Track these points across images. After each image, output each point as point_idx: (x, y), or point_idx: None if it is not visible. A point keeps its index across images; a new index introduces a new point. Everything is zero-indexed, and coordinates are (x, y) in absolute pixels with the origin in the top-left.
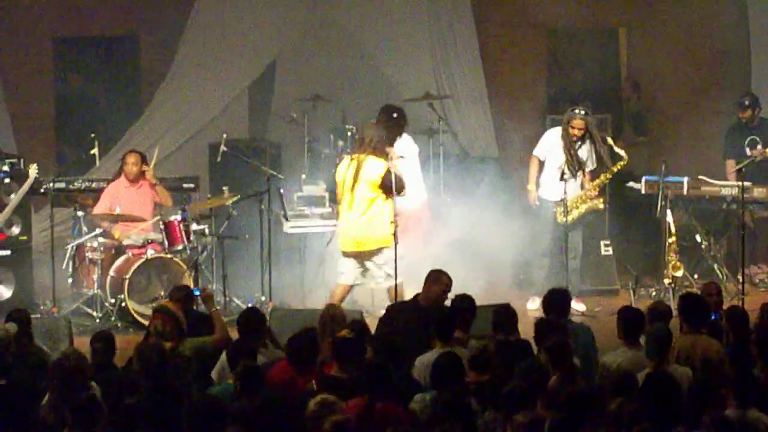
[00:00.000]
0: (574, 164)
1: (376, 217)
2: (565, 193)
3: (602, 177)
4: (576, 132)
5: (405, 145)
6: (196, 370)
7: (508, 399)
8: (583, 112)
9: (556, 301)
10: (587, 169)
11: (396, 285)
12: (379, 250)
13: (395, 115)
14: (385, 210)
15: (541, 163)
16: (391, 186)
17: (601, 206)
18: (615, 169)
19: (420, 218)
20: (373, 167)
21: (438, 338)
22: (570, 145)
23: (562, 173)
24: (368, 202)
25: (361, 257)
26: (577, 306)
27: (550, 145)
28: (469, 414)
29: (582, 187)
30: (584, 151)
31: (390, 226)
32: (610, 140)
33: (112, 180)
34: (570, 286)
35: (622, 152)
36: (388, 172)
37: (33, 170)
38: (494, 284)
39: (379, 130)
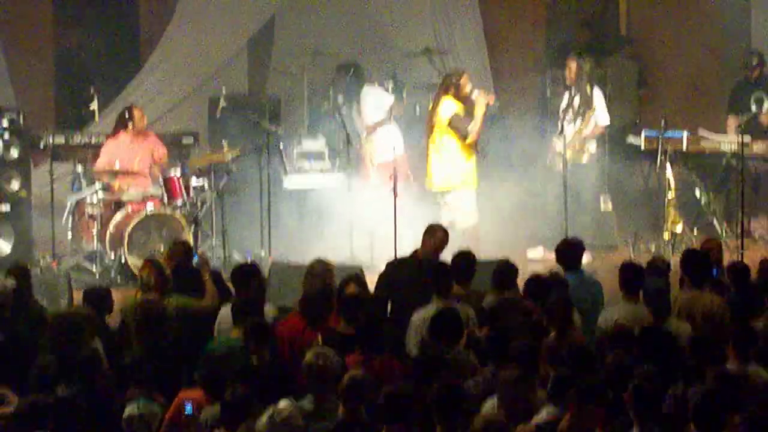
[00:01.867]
0: (573, 110)
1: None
2: (564, 136)
3: (582, 129)
4: (567, 73)
5: (375, 98)
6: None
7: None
8: (578, 53)
9: (569, 251)
10: (588, 129)
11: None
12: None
13: (353, 70)
14: (456, 152)
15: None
16: (458, 129)
17: (584, 160)
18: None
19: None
20: (446, 108)
21: (436, 293)
22: (567, 90)
23: (562, 128)
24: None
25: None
26: (533, 253)
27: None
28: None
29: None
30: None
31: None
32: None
33: (112, 135)
34: (537, 234)
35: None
36: (456, 115)
37: None
38: (497, 236)
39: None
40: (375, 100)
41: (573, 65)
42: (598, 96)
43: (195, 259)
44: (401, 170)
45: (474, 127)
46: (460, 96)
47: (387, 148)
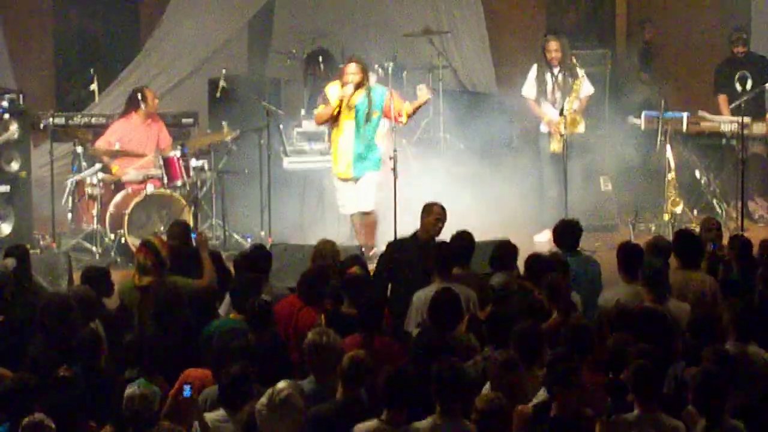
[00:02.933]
0: (560, 89)
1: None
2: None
3: (580, 102)
4: (553, 55)
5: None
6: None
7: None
8: (555, 33)
9: (566, 233)
10: (582, 95)
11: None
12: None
13: (321, 58)
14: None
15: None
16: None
17: (579, 129)
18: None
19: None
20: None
21: (436, 274)
22: (550, 71)
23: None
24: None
25: None
26: (539, 237)
27: (534, 79)
28: (460, 351)
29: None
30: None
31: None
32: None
33: (123, 115)
34: (543, 218)
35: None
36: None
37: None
38: (496, 219)
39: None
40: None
41: (554, 44)
42: (579, 68)
43: (193, 235)
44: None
45: (405, 112)
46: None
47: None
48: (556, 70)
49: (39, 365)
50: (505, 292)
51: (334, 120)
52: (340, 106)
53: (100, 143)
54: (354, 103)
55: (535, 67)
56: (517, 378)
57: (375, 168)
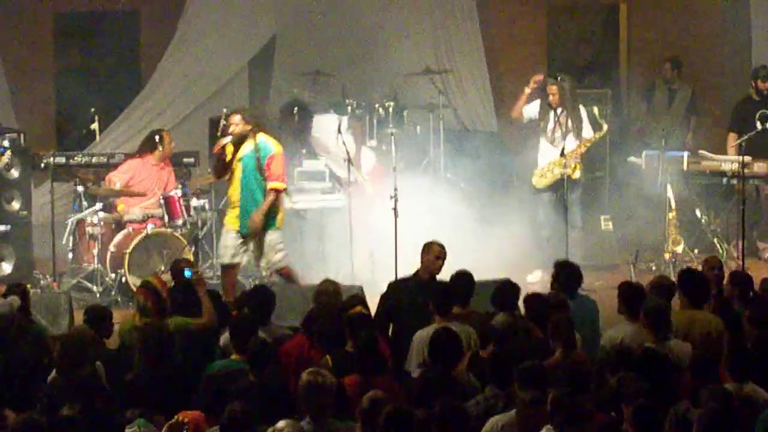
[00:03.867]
0: (561, 129)
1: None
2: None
3: (579, 145)
4: (551, 98)
5: (326, 125)
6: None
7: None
8: (557, 78)
9: (563, 274)
10: (584, 134)
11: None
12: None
13: (296, 110)
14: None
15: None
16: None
17: (577, 175)
18: (594, 139)
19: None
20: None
21: (437, 313)
22: (553, 111)
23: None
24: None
25: None
26: (531, 277)
27: (538, 110)
28: (461, 390)
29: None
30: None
31: None
32: (595, 109)
33: (138, 155)
34: (535, 258)
35: (603, 123)
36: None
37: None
38: (497, 258)
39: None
40: (330, 125)
41: (554, 88)
42: (582, 111)
43: (188, 273)
44: (381, 184)
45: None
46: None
47: (366, 159)
48: (558, 111)
49: (50, 406)
50: (507, 331)
51: (230, 171)
52: (232, 159)
53: (113, 177)
54: (240, 156)
55: (538, 102)
56: (544, 416)
57: (268, 227)
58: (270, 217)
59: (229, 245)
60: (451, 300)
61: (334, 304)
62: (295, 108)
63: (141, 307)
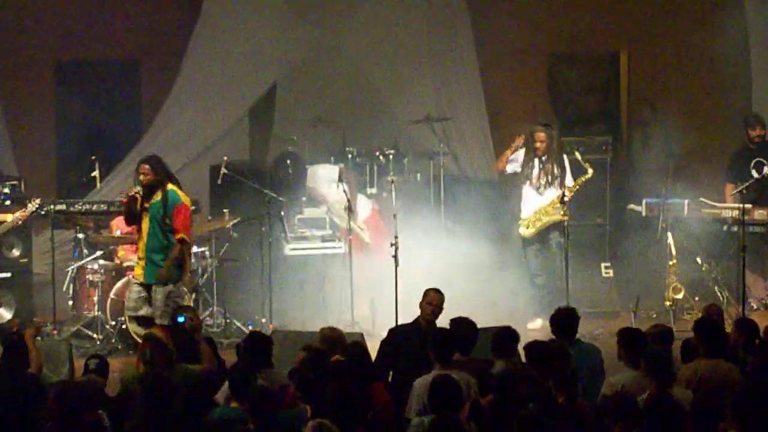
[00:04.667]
0: (547, 176)
1: None
2: (564, 205)
3: (566, 190)
4: (539, 145)
5: (322, 175)
6: (185, 397)
7: (523, 424)
8: (546, 125)
9: (562, 321)
10: (568, 184)
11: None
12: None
13: (289, 161)
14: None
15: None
16: None
17: (564, 218)
18: (580, 182)
19: (374, 226)
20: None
21: (436, 360)
22: (538, 159)
23: (563, 196)
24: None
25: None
26: (532, 325)
27: (521, 161)
28: None
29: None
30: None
31: None
32: (577, 154)
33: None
34: (535, 306)
35: (588, 167)
36: None
37: (33, 204)
38: (497, 306)
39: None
40: (325, 175)
41: (542, 135)
42: (564, 160)
43: (181, 319)
44: (376, 228)
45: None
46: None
47: (362, 208)
48: (543, 159)
49: None
50: (506, 379)
51: (139, 221)
52: (138, 207)
53: (116, 223)
54: (148, 205)
55: (523, 151)
56: None
57: (164, 282)
58: (174, 269)
59: (132, 297)
60: (450, 347)
61: (336, 350)
62: (288, 160)
63: (145, 358)
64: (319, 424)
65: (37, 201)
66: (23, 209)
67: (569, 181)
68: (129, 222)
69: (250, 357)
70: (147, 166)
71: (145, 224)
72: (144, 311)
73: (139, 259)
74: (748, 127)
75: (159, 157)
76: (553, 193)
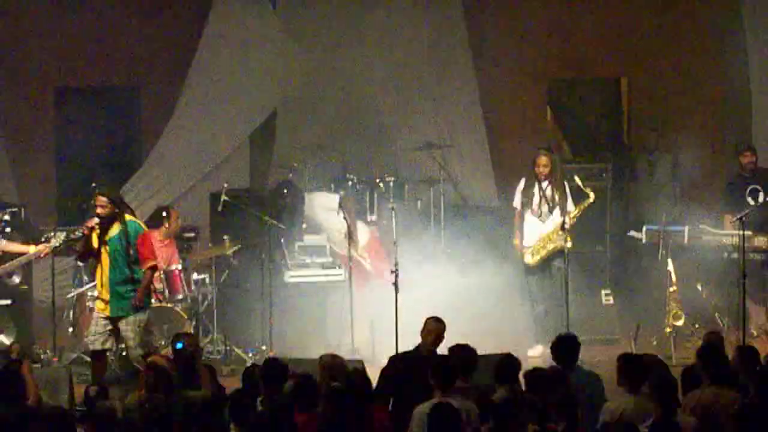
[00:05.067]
0: (548, 203)
1: None
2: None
3: (571, 218)
4: (541, 169)
5: (320, 203)
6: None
7: None
8: (546, 149)
9: (562, 348)
10: (569, 208)
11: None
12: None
13: (286, 191)
14: None
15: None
16: None
17: (568, 245)
18: (582, 207)
19: (374, 251)
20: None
21: (437, 387)
22: (538, 185)
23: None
24: None
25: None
26: (532, 351)
27: (521, 191)
28: None
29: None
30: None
31: None
32: (577, 179)
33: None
34: (535, 333)
35: (589, 192)
36: None
37: (56, 239)
38: (497, 333)
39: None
40: (322, 204)
41: (545, 159)
42: (566, 187)
43: (179, 345)
44: (376, 252)
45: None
46: None
47: (361, 235)
48: (544, 184)
49: None
50: (507, 405)
51: (98, 254)
52: (92, 239)
53: None
54: (108, 238)
55: (523, 180)
56: None
57: (134, 312)
58: (146, 297)
59: (99, 332)
60: (450, 374)
61: (336, 377)
62: (285, 189)
63: (150, 386)
64: None
65: (62, 236)
66: (46, 243)
67: (570, 206)
68: (83, 257)
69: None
70: (104, 199)
71: (105, 258)
72: (109, 344)
73: (102, 296)
74: (739, 155)
75: (113, 187)
76: (554, 220)
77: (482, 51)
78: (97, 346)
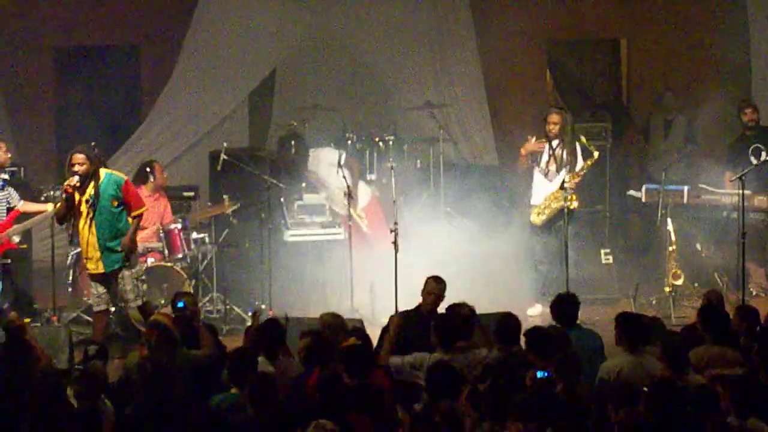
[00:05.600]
0: (556, 162)
1: None
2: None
3: (572, 176)
4: (551, 127)
5: (325, 158)
6: (189, 382)
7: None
8: (558, 108)
9: (563, 307)
10: (577, 168)
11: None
12: None
13: (293, 142)
14: None
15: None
16: None
17: (574, 204)
18: (586, 166)
19: (373, 214)
20: None
21: (438, 345)
22: (549, 143)
23: (563, 182)
24: None
25: None
26: (531, 311)
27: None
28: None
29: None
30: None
31: None
32: (583, 138)
33: None
34: (535, 292)
35: (594, 150)
36: None
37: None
38: (497, 292)
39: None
40: (327, 159)
41: (557, 117)
42: (577, 148)
43: (180, 304)
44: (375, 215)
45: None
46: None
47: (362, 195)
48: (554, 143)
49: None
50: (504, 365)
51: (77, 215)
52: (74, 199)
53: None
54: (87, 197)
55: (534, 138)
56: None
57: (122, 263)
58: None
59: (102, 292)
60: (450, 333)
61: (337, 337)
62: (292, 141)
63: (153, 346)
64: (318, 425)
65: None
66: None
67: (580, 163)
68: (64, 217)
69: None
70: (82, 156)
71: (88, 215)
72: (111, 304)
73: (89, 255)
74: (740, 112)
75: (86, 144)
76: (562, 179)
77: (482, 11)
78: (102, 307)
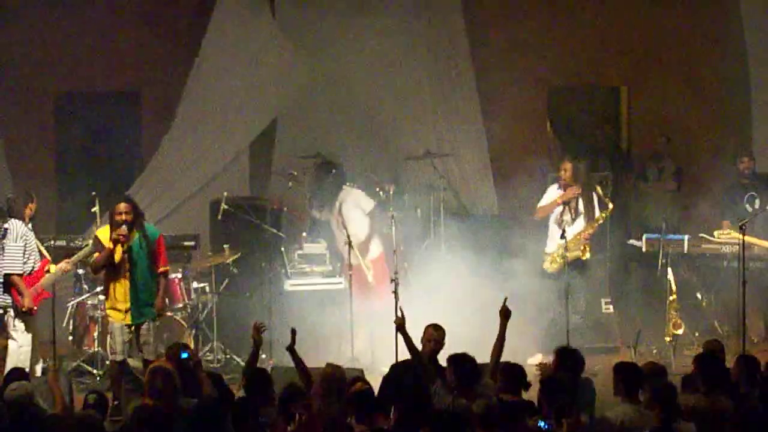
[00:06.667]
0: (570, 212)
1: None
2: (565, 239)
3: (587, 227)
4: (562, 174)
5: (356, 200)
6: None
7: None
8: (574, 157)
9: (571, 360)
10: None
11: None
12: None
13: (334, 171)
14: None
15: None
16: None
17: (587, 255)
18: (600, 219)
19: (380, 268)
20: None
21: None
22: (562, 191)
23: (564, 231)
24: None
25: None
26: (532, 360)
27: (549, 197)
28: None
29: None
30: (581, 201)
31: None
32: (598, 189)
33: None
34: (535, 341)
35: (607, 201)
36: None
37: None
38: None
39: None
40: (354, 200)
41: (569, 165)
42: (594, 198)
43: (184, 355)
44: (382, 270)
45: None
46: None
47: (375, 246)
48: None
49: None
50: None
51: (111, 265)
52: (113, 249)
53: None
54: (126, 247)
55: (555, 186)
56: None
57: (153, 315)
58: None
59: (126, 341)
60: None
61: (338, 388)
62: (333, 169)
63: (153, 390)
64: None
65: (86, 250)
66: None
67: (596, 213)
68: (100, 269)
69: (249, 392)
70: (129, 205)
71: (124, 266)
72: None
73: (118, 306)
74: (738, 160)
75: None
76: (576, 228)
77: (482, 59)
78: (120, 357)
